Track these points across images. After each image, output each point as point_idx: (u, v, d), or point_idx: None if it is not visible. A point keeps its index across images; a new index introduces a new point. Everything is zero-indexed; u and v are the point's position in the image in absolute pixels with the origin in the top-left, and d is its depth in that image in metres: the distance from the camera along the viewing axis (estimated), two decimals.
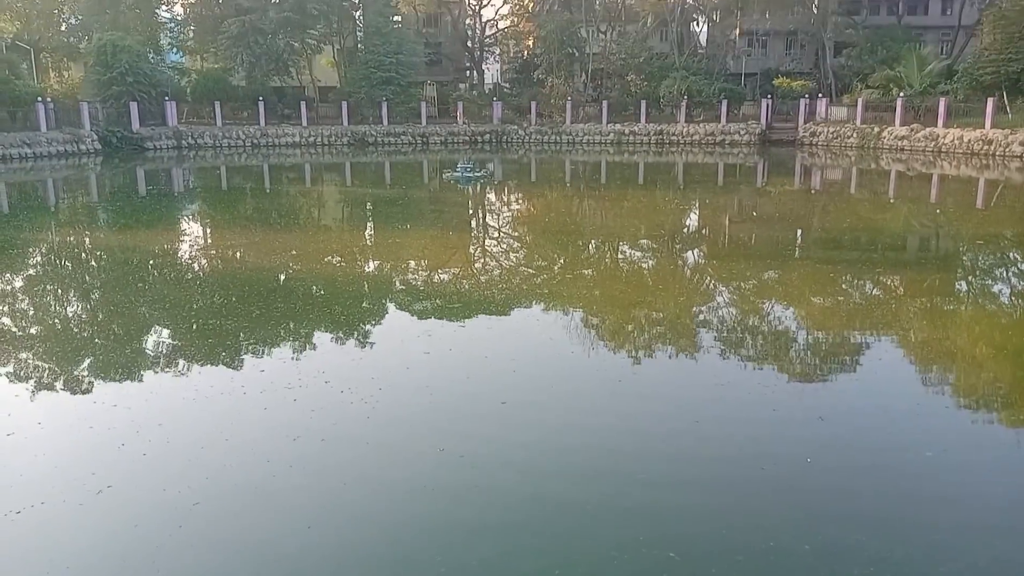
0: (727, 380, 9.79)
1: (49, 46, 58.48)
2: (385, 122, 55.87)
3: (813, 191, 32.47)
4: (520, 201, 30.48)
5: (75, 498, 6.74)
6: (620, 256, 18.47)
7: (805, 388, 9.59)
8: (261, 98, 54.28)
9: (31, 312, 13.64)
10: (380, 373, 9.91)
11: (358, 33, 63.27)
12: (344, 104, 55.96)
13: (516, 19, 69.88)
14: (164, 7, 63.02)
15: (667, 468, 7.44)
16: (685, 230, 23.04)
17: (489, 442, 7.92)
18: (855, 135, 48.21)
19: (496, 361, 10.47)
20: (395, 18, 61.59)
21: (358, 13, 63.17)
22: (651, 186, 34.57)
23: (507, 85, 70.58)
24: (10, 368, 10.26)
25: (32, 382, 9.82)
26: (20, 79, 48.22)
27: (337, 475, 7.24)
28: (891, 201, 29.07)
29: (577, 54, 60.78)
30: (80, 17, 58.92)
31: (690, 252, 19.33)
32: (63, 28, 60.26)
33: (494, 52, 75.39)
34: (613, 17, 63.46)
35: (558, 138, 56.27)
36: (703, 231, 23.02)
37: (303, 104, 55.68)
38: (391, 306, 13.73)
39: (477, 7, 68.93)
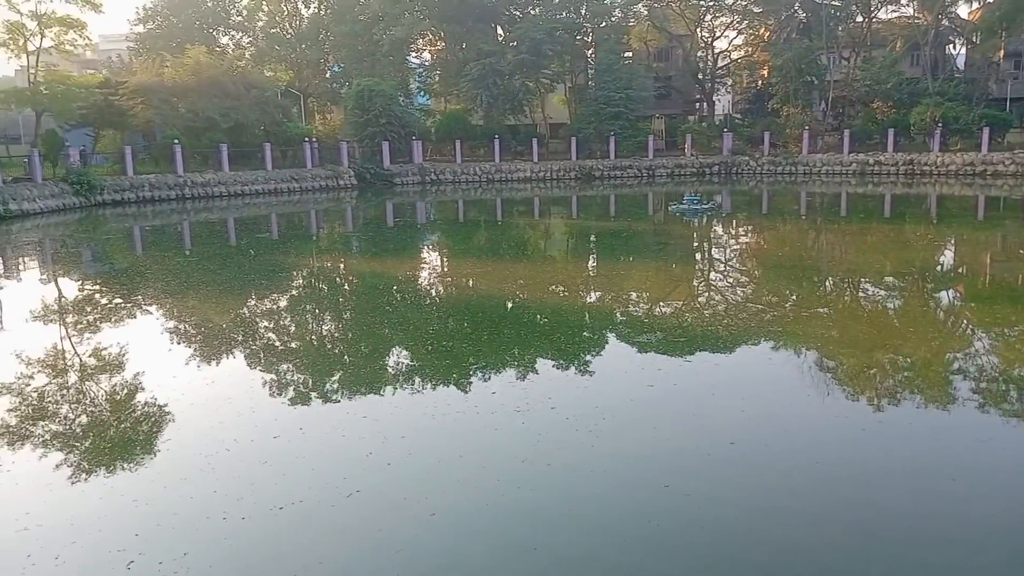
0: (988, 436, 8.71)
1: (316, 92, 65.52)
2: (612, 156, 56.49)
3: None
4: (750, 234, 29.39)
5: (328, 499, 7.35)
6: (862, 295, 17.18)
7: None
8: (496, 136, 57.05)
9: (292, 329, 15.20)
10: (604, 402, 9.91)
11: (589, 71, 64.75)
12: (573, 140, 57.36)
13: (750, 49, 68.08)
14: (414, 54, 68.51)
15: (918, 527, 6.73)
16: (938, 268, 20.98)
17: (716, 482, 7.61)
18: None
19: (723, 398, 10.08)
20: (626, 54, 62.34)
21: (590, 52, 64.70)
22: (899, 219, 31.89)
23: (739, 116, 68.78)
24: (275, 377, 11.48)
25: (293, 391, 10.90)
26: (291, 122, 54.54)
27: (563, 501, 7.30)
28: None
29: (816, 82, 57.97)
30: (342, 65, 65.52)
31: (944, 292, 17.56)
32: (327, 75, 67.29)
33: (726, 83, 73.89)
34: (857, 43, 59.91)
35: (793, 169, 53.79)
36: (959, 269, 20.83)
37: (534, 141, 57.81)
38: (613, 337, 13.73)
39: (710, 39, 68.02)
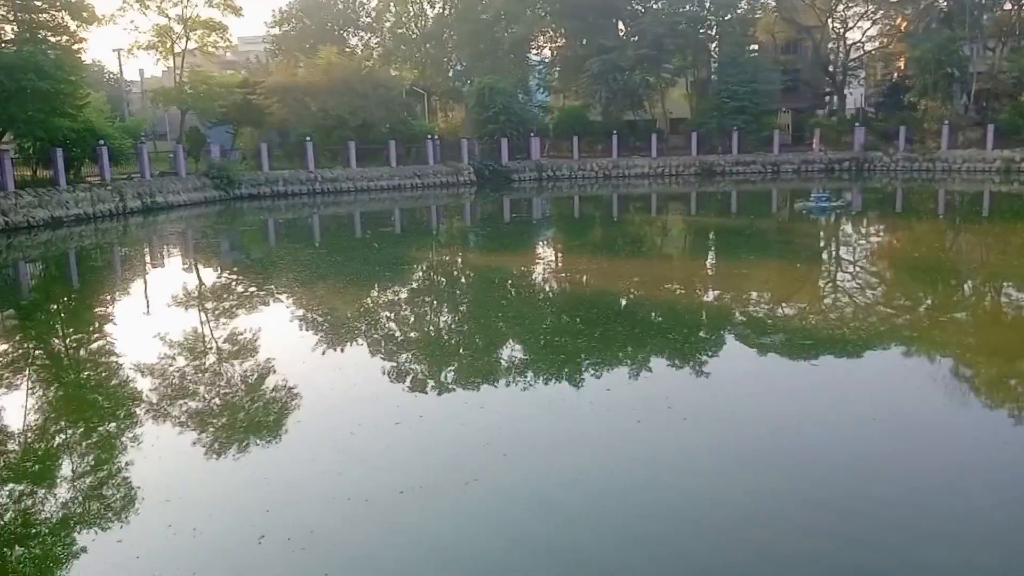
0: None
1: (438, 90, 66.95)
2: (735, 151, 54.98)
3: None
4: (882, 233, 27.98)
5: (448, 486, 7.56)
6: (1004, 300, 16.09)
7: None
8: (615, 131, 56.62)
9: (412, 319, 15.67)
10: (723, 405, 9.73)
11: (712, 64, 63.26)
12: (694, 135, 56.23)
13: (886, 40, 64.61)
14: (534, 51, 68.89)
15: None
16: None
17: (845, 493, 7.32)
18: None
19: (854, 406, 9.64)
20: (751, 47, 60.47)
21: (714, 45, 63.19)
22: None
23: (871, 110, 65.41)
24: (396, 365, 11.88)
25: (413, 379, 11.26)
26: (415, 119, 55.99)
27: (683, 504, 7.23)
28: None
29: (957, 74, 54.34)
30: (464, 63, 66.67)
31: None
32: (450, 74, 68.63)
33: (858, 76, 70.38)
34: (1005, 32, 55.77)
35: (930, 166, 50.71)
36: None
37: (653, 136, 57.02)
38: (732, 338, 13.42)
39: (842, 30, 65.02)
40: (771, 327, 13.86)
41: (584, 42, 61.90)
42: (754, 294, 17.00)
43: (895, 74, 64.45)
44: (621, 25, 64.25)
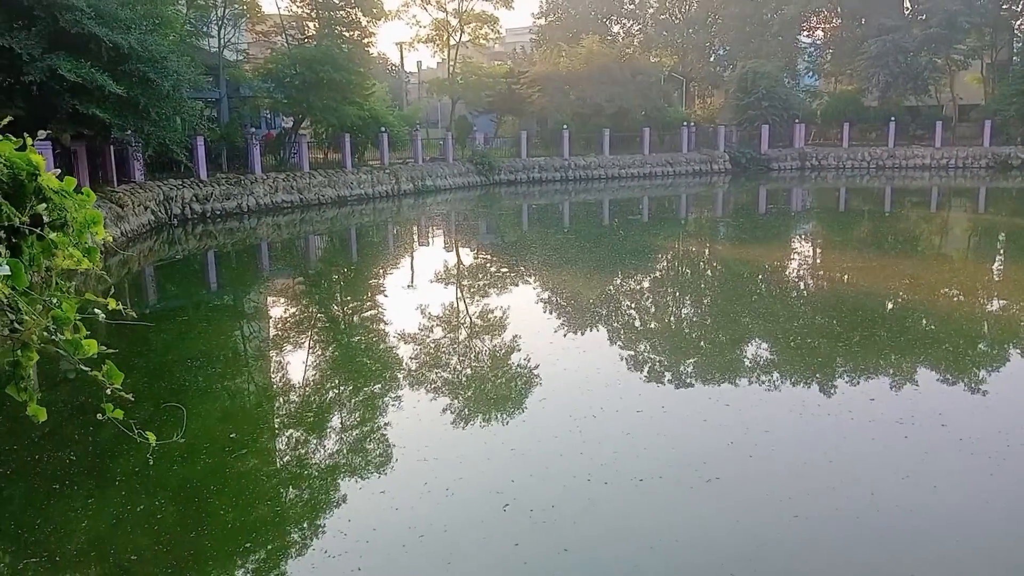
0: None
1: (698, 76, 65.40)
2: None
3: None
4: None
5: (688, 481, 7.47)
6: None
7: None
8: (892, 118, 51.95)
9: (655, 309, 15.57)
10: (1008, 427, 8.61)
11: (1015, 45, 55.74)
12: (987, 123, 49.98)
13: None
14: (805, 33, 64.97)
15: None
16: None
17: None
18: None
19: None
20: None
21: (1018, 23, 55.64)
22: None
23: None
24: (638, 353, 11.90)
25: (655, 369, 11.22)
26: (672, 106, 55.21)
27: (948, 529, 6.57)
28: None
29: None
30: (727, 48, 64.49)
31: None
32: (711, 59, 66.76)
33: None
34: None
35: None
36: None
37: (938, 124, 51.51)
38: (1018, 353, 11.85)
39: None
40: None
41: (863, 21, 57.34)
42: None
43: None
44: (907, 3, 58.61)
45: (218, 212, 28.99)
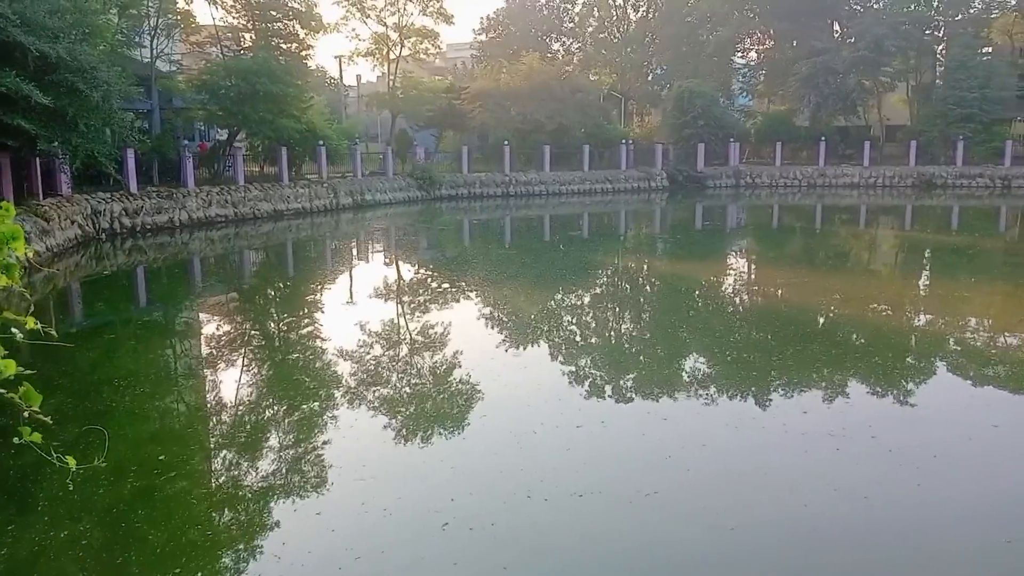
0: None
1: (636, 94, 66.51)
2: (959, 163, 50.26)
3: None
4: None
5: (627, 495, 7.48)
6: None
7: None
8: (823, 138, 53.65)
9: (595, 324, 15.67)
10: (935, 439, 8.90)
11: (938, 68, 58.28)
12: (912, 143, 52.03)
13: None
14: (739, 54, 66.71)
15: None
16: None
17: None
18: None
19: None
20: (984, 50, 55.04)
21: (940, 47, 58.19)
22: None
23: None
24: (579, 369, 11.94)
25: (595, 384, 11.25)
26: (611, 124, 55.99)
27: (877, 538, 6.72)
28: None
29: None
30: (665, 67, 65.82)
31: None
32: (649, 78, 68.00)
33: None
34: None
35: None
36: None
37: (867, 144, 53.38)
38: (945, 366, 12.28)
39: None
40: (992, 357, 12.54)
41: (795, 44, 59.19)
42: (973, 320, 15.45)
43: None
44: (837, 26, 60.77)
45: (149, 226, 28.22)
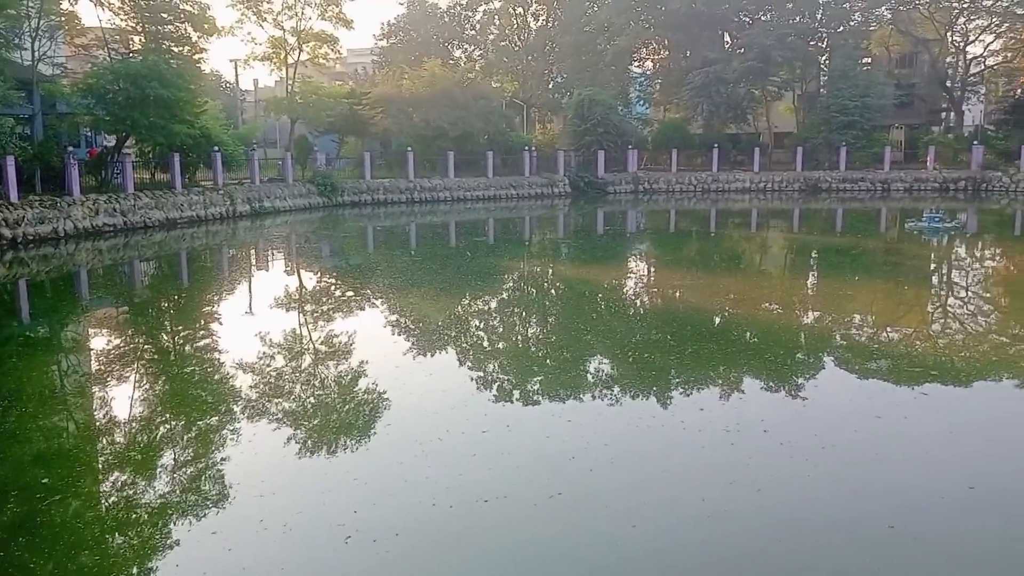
0: None
1: (538, 102, 67.33)
2: (842, 167, 53.12)
3: None
4: (998, 257, 26.43)
5: (532, 498, 7.54)
6: None
7: None
8: (716, 145, 55.63)
9: (501, 329, 15.75)
10: (823, 431, 9.34)
11: (822, 78, 61.38)
12: (799, 149, 54.64)
13: (1010, 54, 61.16)
14: (636, 64, 68.43)
15: None
16: None
17: (949, 528, 6.96)
18: None
19: (962, 438, 9.13)
20: (864, 60, 58.35)
21: (824, 58, 61.31)
22: None
23: (991, 127, 61.98)
24: (485, 374, 11.97)
25: (501, 388, 11.30)
26: (514, 131, 56.44)
27: (772, 530, 6.98)
28: None
29: None
30: (565, 76, 66.84)
31: None
32: (550, 86, 68.93)
33: (978, 92, 66.82)
34: None
35: None
36: None
37: (756, 150, 55.72)
38: (832, 361, 12.91)
39: (962, 44, 61.94)
40: (875, 352, 13.26)
41: (688, 54, 61.13)
42: (857, 317, 16.33)
43: (1019, 90, 60.91)
44: (727, 38, 63.16)
45: (31, 237, 26.68)
